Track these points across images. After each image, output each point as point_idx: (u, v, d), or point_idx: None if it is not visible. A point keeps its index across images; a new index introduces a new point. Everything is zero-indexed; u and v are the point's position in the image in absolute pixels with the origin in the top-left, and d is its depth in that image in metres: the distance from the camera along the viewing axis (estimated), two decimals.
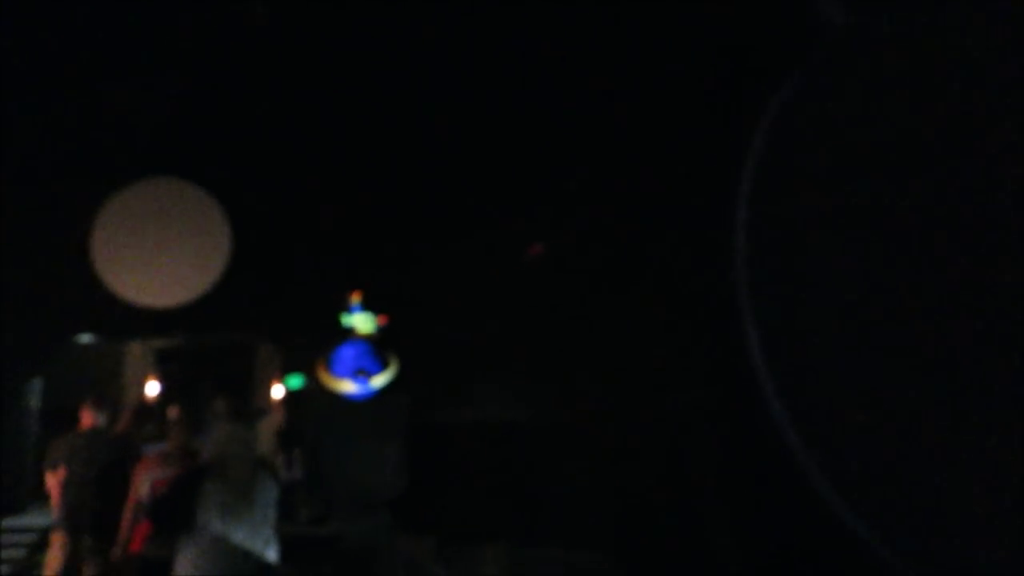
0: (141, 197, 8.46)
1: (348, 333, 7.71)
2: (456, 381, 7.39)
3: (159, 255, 8.29)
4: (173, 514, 3.82)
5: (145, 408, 5.38)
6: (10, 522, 7.42)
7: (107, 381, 10.94)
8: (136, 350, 11.64)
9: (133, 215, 8.36)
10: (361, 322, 7.66)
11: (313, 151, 8.45)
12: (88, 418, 5.06)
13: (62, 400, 9.43)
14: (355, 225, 8.22)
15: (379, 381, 7.26)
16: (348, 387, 7.27)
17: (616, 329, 6.34)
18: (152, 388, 12.06)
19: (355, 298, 7.80)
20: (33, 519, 8.02)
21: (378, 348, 7.54)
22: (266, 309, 8.47)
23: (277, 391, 13.42)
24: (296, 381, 12.77)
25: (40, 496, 6.66)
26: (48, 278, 8.24)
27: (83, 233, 8.31)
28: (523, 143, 7.26)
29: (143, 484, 4.37)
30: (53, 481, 4.97)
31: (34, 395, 8.90)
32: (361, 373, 7.24)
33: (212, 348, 12.44)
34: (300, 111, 8.36)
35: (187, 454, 4.67)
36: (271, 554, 3.88)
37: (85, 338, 8.72)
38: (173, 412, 5.34)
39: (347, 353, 7.48)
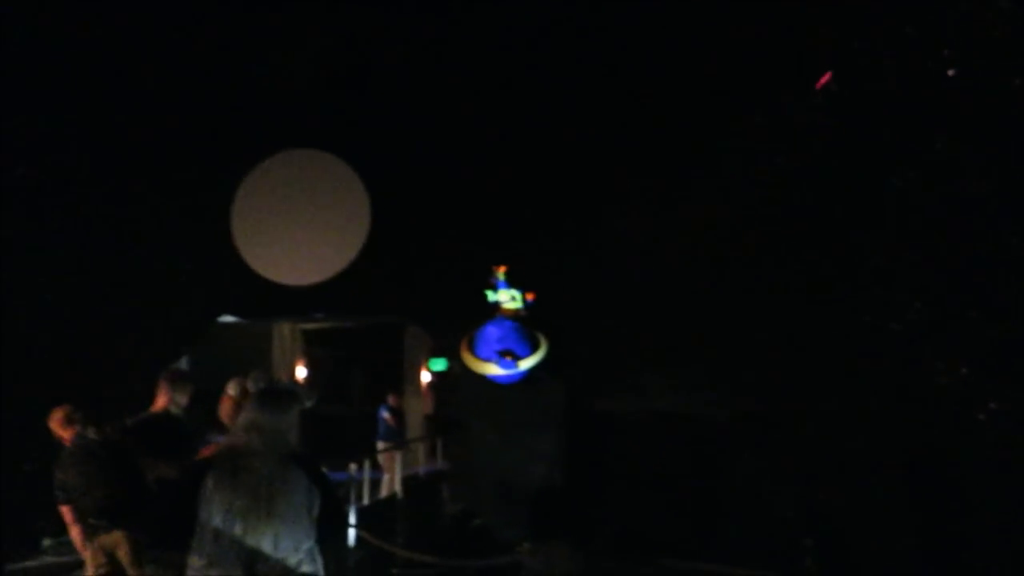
0: (280, 169, 8.01)
1: (494, 311, 6.93)
2: (620, 367, 6.42)
3: (298, 230, 7.82)
4: (171, 515, 3.05)
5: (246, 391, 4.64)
6: None
7: (256, 363, 10.75)
8: (285, 331, 11.44)
9: (272, 188, 7.91)
10: (507, 298, 6.85)
11: (455, 119, 7.68)
12: (162, 397, 4.40)
13: (211, 382, 9.22)
14: (504, 194, 7.38)
15: (527, 363, 6.45)
16: (493, 369, 6.50)
17: (814, 318, 5.12)
18: (301, 371, 11.84)
19: (500, 272, 7.02)
20: None
21: (527, 328, 6.73)
22: (412, 289, 7.81)
23: (425, 375, 12.99)
24: (440, 364, 12.26)
25: None
26: (193, 258, 7.94)
27: (226, 210, 7.98)
28: (697, 106, 6.20)
29: None
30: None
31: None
32: (507, 355, 6.45)
33: (359, 330, 12.10)
34: (443, 82, 7.66)
35: None
36: (307, 570, 2.98)
37: (230, 319, 8.38)
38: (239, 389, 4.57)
39: (492, 333, 6.70)
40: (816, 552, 5.29)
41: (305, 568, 2.91)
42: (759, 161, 5.61)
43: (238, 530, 2.83)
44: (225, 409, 4.83)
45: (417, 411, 12.84)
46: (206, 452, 3.68)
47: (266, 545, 2.83)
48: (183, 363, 8.97)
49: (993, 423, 3.73)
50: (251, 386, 4.58)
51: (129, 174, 7.88)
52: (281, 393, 3.23)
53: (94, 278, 7.54)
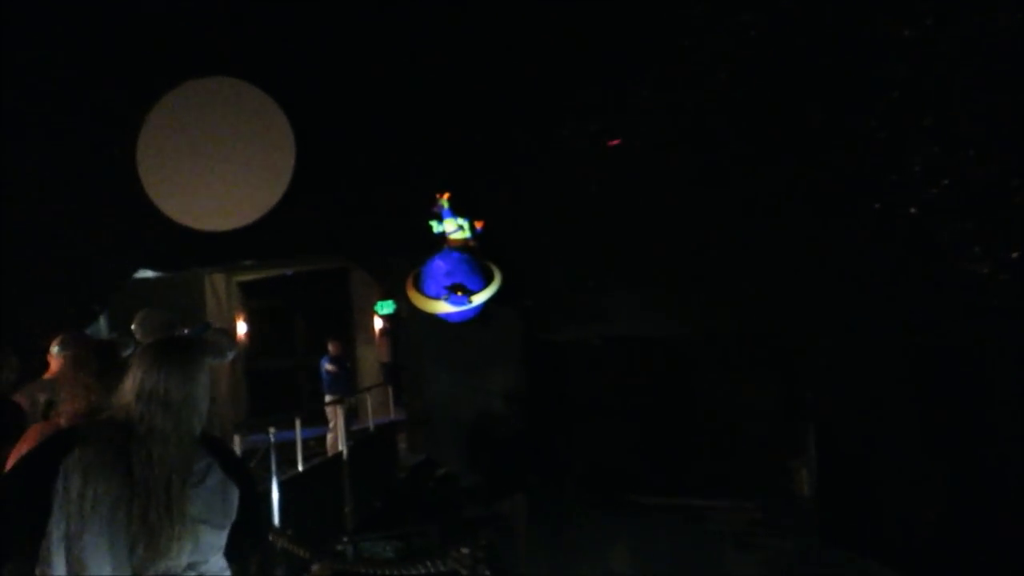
0: (189, 101, 7.30)
1: (440, 243, 6.42)
2: (580, 292, 5.97)
3: (213, 169, 7.17)
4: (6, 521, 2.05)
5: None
6: None
7: (187, 320, 10.10)
8: (218, 284, 10.79)
9: (180, 123, 7.22)
10: (453, 228, 6.32)
11: (380, 32, 7.00)
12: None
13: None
14: (441, 112, 6.79)
15: (480, 297, 5.99)
16: (443, 307, 6.01)
17: (799, 215, 4.66)
18: (241, 327, 11.25)
19: (444, 199, 6.48)
20: None
21: (477, 258, 6.24)
22: (348, 226, 7.25)
23: (378, 320, 12.50)
24: (387, 306, 11.75)
25: None
26: (100, 207, 7.22)
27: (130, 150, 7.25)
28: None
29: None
30: None
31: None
32: (457, 290, 5.96)
33: (303, 277, 11.51)
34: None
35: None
36: None
37: (146, 273, 7.74)
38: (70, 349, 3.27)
39: (439, 267, 6.20)
40: (803, 475, 4.96)
41: None
42: (715, 47, 5.07)
43: (124, 542, 1.98)
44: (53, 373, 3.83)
45: (371, 359, 12.40)
46: (32, 435, 2.62)
47: (163, 562, 2.01)
48: (101, 325, 8.35)
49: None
50: (139, 332, 3.44)
51: (19, 120, 7.07)
52: (188, 346, 2.27)
53: None
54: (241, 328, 11.35)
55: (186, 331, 3.61)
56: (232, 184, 7.19)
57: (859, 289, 4.05)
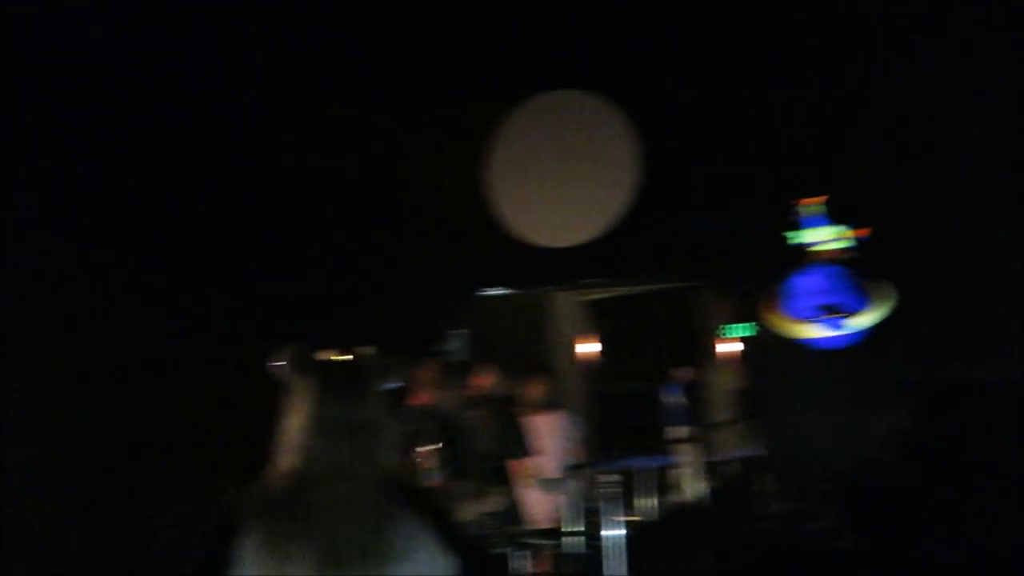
0: (536, 116, 7.33)
1: (807, 256, 5.63)
2: (993, 318, 4.82)
3: (557, 183, 7.09)
4: None
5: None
6: None
7: (531, 339, 10.26)
8: (563, 302, 10.84)
9: (528, 137, 7.25)
10: (828, 238, 5.49)
11: (728, 39, 6.50)
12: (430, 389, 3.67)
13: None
14: (807, 104, 6.08)
15: (862, 321, 5.06)
16: (813, 331, 5.20)
17: None
18: (582, 347, 11.19)
19: (810, 207, 5.66)
20: None
21: (858, 275, 5.34)
22: (701, 241, 6.81)
23: (727, 345, 11.72)
24: (740, 329, 10.88)
25: None
26: (453, 225, 7.50)
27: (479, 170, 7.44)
28: None
29: None
30: None
31: (459, 354, 8.37)
32: (831, 311, 5.11)
33: (651, 296, 11.20)
34: None
35: None
36: None
37: (497, 291, 7.95)
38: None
39: (807, 284, 5.40)
40: None
41: None
42: None
43: None
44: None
45: (725, 386, 11.67)
46: None
47: None
48: (457, 341, 8.61)
49: None
50: (287, 367, 2.58)
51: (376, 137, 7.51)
52: (361, 373, 1.78)
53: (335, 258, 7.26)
54: (583, 349, 11.28)
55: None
56: (573, 199, 7.09)
57: None
